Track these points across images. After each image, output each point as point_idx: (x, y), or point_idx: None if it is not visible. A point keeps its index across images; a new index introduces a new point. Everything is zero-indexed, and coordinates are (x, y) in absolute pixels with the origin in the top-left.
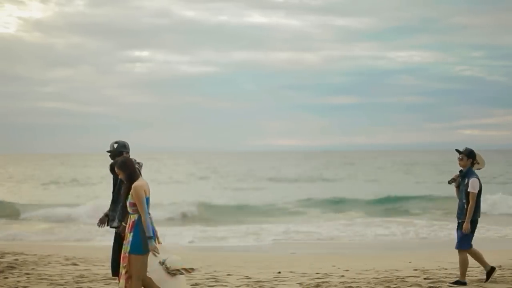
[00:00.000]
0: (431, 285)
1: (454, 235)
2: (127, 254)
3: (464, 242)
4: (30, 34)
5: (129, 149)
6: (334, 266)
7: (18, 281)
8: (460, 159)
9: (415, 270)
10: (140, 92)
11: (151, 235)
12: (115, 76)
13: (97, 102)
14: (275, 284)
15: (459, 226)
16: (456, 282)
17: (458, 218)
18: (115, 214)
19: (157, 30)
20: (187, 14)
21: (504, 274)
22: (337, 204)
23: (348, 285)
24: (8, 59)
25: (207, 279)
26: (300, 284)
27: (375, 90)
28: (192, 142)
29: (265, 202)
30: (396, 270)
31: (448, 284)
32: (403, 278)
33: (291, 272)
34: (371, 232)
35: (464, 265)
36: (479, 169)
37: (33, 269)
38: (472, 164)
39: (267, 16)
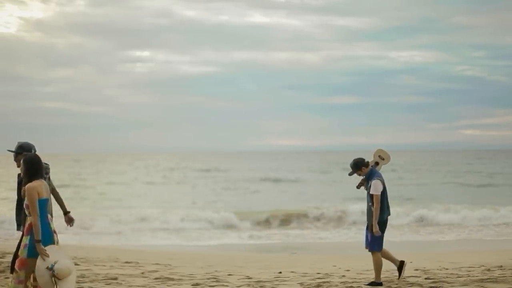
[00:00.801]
0: (432, 285)
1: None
2: (25, 258)
3: (376, 244)
4: (31, 34)
5: (35, 151)
6: (335, 266)
7: None
8: (358, 174)
9: (416, 270)
10: (140, 92)
11: (40, 238)
12: (115, 76)
13: (98, 102)
14: (276, 284)
15: (368, 228)
16: (372, 283)
17: (367, 220)
18: (20, 218)
19: (158, 30)
20: (187, 14)
21: (505, 274)
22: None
23: (349, 285)
24: (9, 59)
25: (208, 279)
26: (301, 284)
27: (376, 90)
28: (193, 142)
29: (265, 202)
30: (397, 270)
31: (364, 284)
32: (404, 278)
33: (292, 272)
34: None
35: (378, 266)
36: (386, 163)
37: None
38: (377, 163)
39: (268, 16)
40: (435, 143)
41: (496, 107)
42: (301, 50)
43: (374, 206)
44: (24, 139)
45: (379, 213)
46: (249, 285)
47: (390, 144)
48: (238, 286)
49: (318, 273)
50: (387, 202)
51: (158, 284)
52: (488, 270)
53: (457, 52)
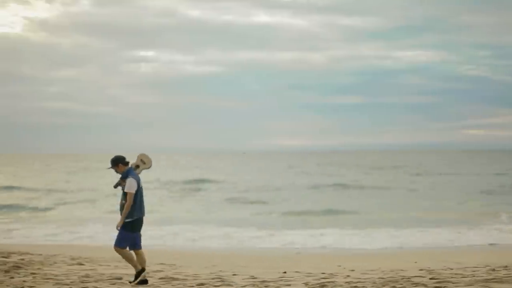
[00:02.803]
0: (437, 285)
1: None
2: None
3: (121, 241)
4: (36, 34)
5: None
6: (339, 266)
7: (24, 281)
8: (115, 170)
9: (421, 270)
10: (145, 92)
11: None
12: (120, 76)
13: (102, 102)
14: (280, 284)
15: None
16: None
17: None
18: None
19: (162, 29)
20: (192, 14)
21: (510, 274)
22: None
23: (354, 285)
24: (14, 59)
25: (212, 279)
26: (306, 284)
27: (380, 90)
28: (197, 142)
29: (266, 203)
30: (402, 270)
31: (129, 282)
32: (408, 278)
33: (297, 272)
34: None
35: (128, 260)
36: (147, 168)
37: (39, 268)
38: (137, 166)
39: (273, 16)
40: (439, 143)
41: (501, 106)
42: (306, 50)
43: (127, 203)
44: (28, 138)
45: (129, 211)
46: (254, 285)
47: (395, 143)
48: (243, 286)
49: (323, 273)
50: (141, 202)
51: (163, 284)
52: (493, 270)
53: (461, 51)
